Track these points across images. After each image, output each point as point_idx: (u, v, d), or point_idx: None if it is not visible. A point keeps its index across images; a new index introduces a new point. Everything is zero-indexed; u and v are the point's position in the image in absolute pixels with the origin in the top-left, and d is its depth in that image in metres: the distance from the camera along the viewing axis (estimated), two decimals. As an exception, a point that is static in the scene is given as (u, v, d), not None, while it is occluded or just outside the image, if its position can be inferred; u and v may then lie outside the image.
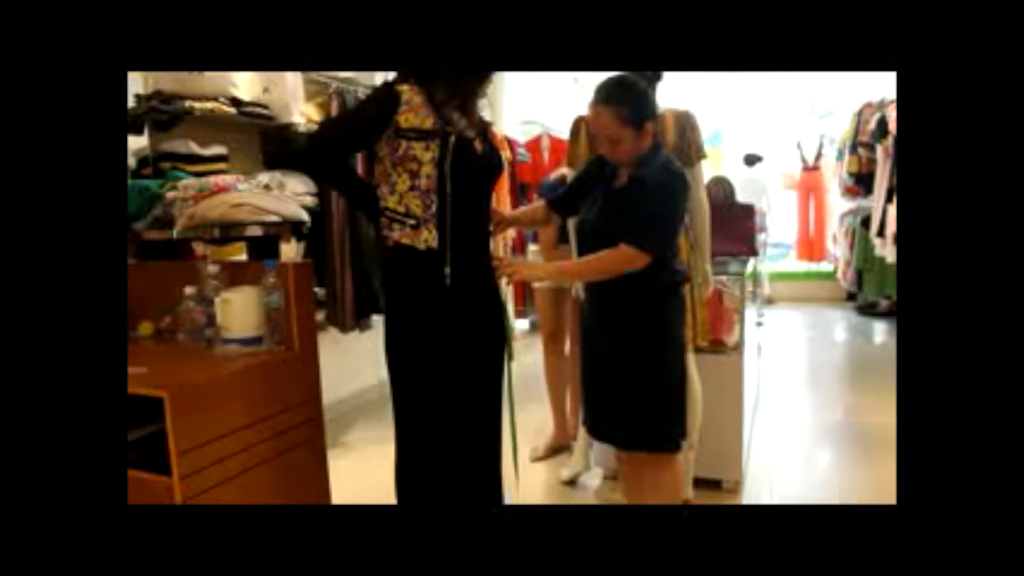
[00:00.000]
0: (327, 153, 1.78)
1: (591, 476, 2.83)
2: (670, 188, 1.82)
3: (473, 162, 1.74)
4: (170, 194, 2.32)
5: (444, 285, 1.71)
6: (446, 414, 1.80)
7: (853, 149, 5.59)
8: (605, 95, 1.81)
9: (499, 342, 1.92)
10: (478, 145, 1.77)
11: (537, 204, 2.24)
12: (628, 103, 1.79)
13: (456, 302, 1.75)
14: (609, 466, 2.76)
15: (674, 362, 1.91)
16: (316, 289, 3.09)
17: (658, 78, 1.93)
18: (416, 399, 1.80)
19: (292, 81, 3.05)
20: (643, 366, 1.87)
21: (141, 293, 1.94)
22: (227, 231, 2.37)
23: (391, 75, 1.79)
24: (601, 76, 1.85)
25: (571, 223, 2.29)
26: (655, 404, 1.88)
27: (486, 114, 1.96)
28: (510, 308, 3.29)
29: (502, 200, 4.17)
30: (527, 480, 2.88)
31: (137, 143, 2.62)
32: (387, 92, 1.71)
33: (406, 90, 1.68)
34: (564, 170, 2.85)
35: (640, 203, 1.79)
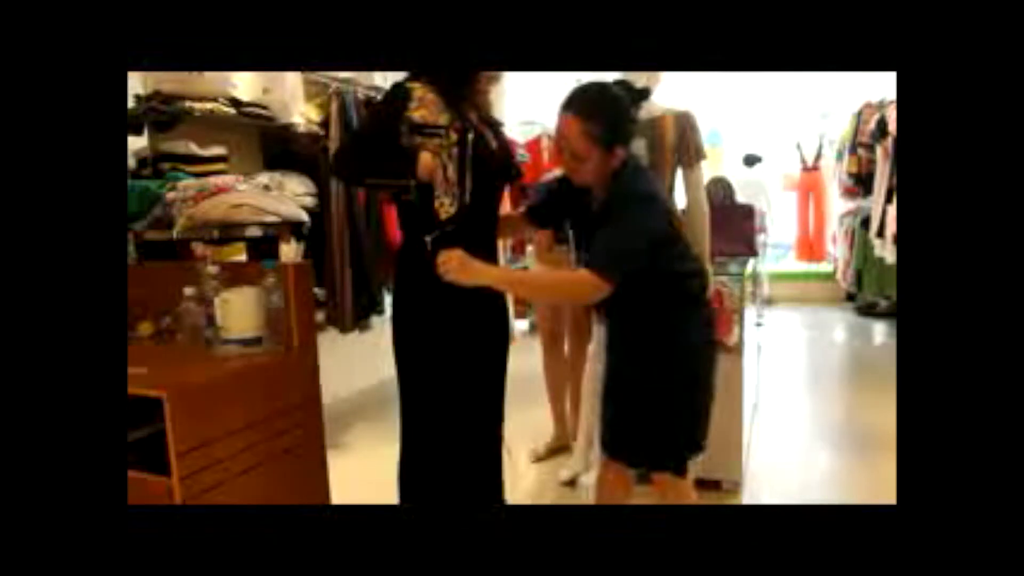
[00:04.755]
0: (353, 154, 1.81)
1: (590, 476, 2.83)
2: (635, 212, 1.63)
3: (489, 160, 1.76)
4: (170, 195, 2.32)
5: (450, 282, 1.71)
6: (449, 410, 1.81)
7: (852, 149, 5.59)
8: (578, 105, 1.64)
9: (502, 341, 1.92)
10: (492, 143, 1.80)
11: (517, 211, 2.15)
12: (602, 120, 1.62)
13: (461, 300, 1.76)
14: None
15: (693, 377, 1.76)
16: (316, 289, 3.09)
17: (645, 95, 1.80)
18: (420, 393, 1.82)
19: (292, 81, 3.05)
20: (655, 382, 1.75)
21: (141, 293, 1.94)
22: (227, 231, 2.37)
23: (391, 76, 1.81)
24: (600, 76, 1.83)
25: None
26: (658, 423, 1.76)
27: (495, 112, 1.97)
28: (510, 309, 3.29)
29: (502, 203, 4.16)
30: (527, 480, 2.88)
31: (137, 143, 2.62)
32: (396, 89, 1.75)
33: (417, 87, 1.71)
34: (558, 171, 2.84)
35: (606, 229, 1.63)
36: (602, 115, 1.63)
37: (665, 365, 1.75)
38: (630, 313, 1.79)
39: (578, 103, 1.65)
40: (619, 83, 1.74)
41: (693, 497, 1.93)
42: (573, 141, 1.64)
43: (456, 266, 1.60)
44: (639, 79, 2.40)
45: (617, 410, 1.85)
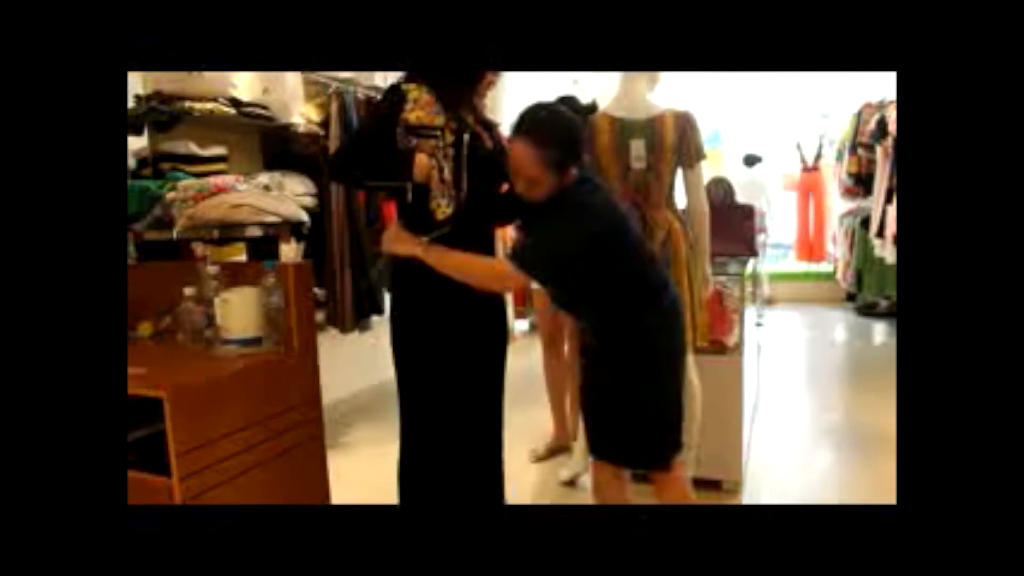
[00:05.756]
0: (349, 156, 1.82)
1: (590, 477, 2.83)
2: (565, 219, 1.65)
3: (485, 160, 1.76)
4: (170, 195, 2.32)
5: (449, 283, 1.71)
6: (448, 411, 1.82)
7: (853, 150, 5.59)
8: (529, 131, 1.64)
9: (500, 341, 1.93)
10: (488, 143, 1.80)
11: None
12: (556, 145, 1.63)
13: (459, 300, 1.76)
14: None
15: (658, 379, 1.81)
16: (316, 289, 3.09)
17: (593, 110, 1.78)
18: (419, 394, 1.82)
19: (292, 81, 3.05)
20: (609, 382, 1.80)
21: (141, 293, 1.94)
22: (227, 232, 2.37)
23: (391, 76, 1.81)
24: (601, 76, 1.83)
25: None
26: (617, 421, 1.80)
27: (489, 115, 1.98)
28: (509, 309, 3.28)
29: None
30: (527, 480, 2.88)
31: (137, 143, 2.62)
32: (392, 91, 1.76)
33: (412, 88, 1.72)
34: None
35: (535, 228, 1.69)
36: (555, 140, 1.63)
37: (625, 364, 1.78)
38: (590, 314, 1.82)
39: (529, 129, 1.64)
40: (565, 101, 1.75)
41: (689, 494, 1.95)
42: (528, 167, 1.64)
43: (387, 237, 1.78)
44: (639, 79, 2.40)
45: (586, 410, 1.90)
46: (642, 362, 1.78)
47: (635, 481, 2.10)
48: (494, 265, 1.73)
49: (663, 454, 1.84)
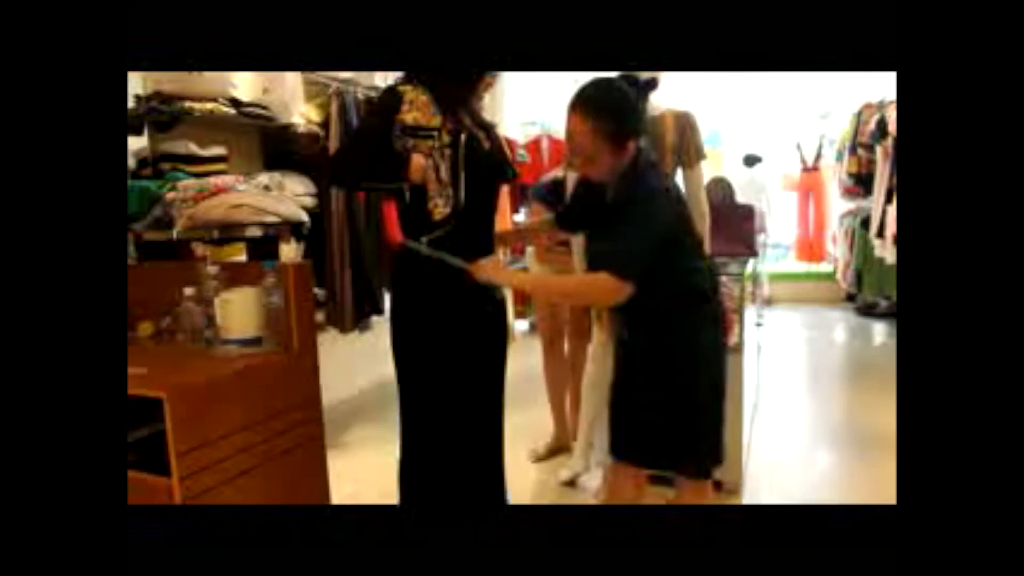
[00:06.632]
0: (346, 159, 1.83)
1: (591, 477, 2.83)
2: (645, 211, 1.61)
3: (482, 160, 1.77)
4: (170, 195, 2.32)
5: (449, 282, 1.72)
6: (449, 411, 1.82)
7: (852, 150, 5.59)
8: (585, 103, 1.61)
9: (500, 341, 1.93)
10: (485, 144, 1.80)
11: (544, 217, 2.17)
12: (611, 117, 1.60)
13: (459, 300, 1.76)
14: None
15: (701, 376, 1.72)
16: (316, 289, 3.09)
17: (652, 86, 1.74)
18: (419, 394, 1.82)
19: (292, 81, 3.05)
20: (664, 382, 1.71)
21: (141, 293, 1.94)
22: (227, 231, 2.37)
23: (391, 76, 1.82)
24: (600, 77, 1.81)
25: (576, 242, 2.27)
26: (667, 424, 1.71)
27: (486, 115, 1.98)
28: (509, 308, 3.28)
29: (503, 202, 4.16)
30: (527, 481, 2.88)
31: (137, 144, 2.62)
32: (388, 92, 1.76)
33: (408, 90, 1.72)
34: (558, 172, 2.85)
35: (619, 229, 1.62)
36: (610, 112, 1.60)
37: (674, 364, 1.71)
38: (638, 310, 1.73)
39: (585, 101, 1.61)
40: (625, 76, 1.70)
41: (711, 499, 1.91)
42: (583, 140, 1.61)
43: (490, 269, 1.73)
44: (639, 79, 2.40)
45: (627, 411, 1.79)
46: (697, 361, 1.71)
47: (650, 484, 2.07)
48: (601, 281, 1.60)
49: (707, 462, 1.78)
